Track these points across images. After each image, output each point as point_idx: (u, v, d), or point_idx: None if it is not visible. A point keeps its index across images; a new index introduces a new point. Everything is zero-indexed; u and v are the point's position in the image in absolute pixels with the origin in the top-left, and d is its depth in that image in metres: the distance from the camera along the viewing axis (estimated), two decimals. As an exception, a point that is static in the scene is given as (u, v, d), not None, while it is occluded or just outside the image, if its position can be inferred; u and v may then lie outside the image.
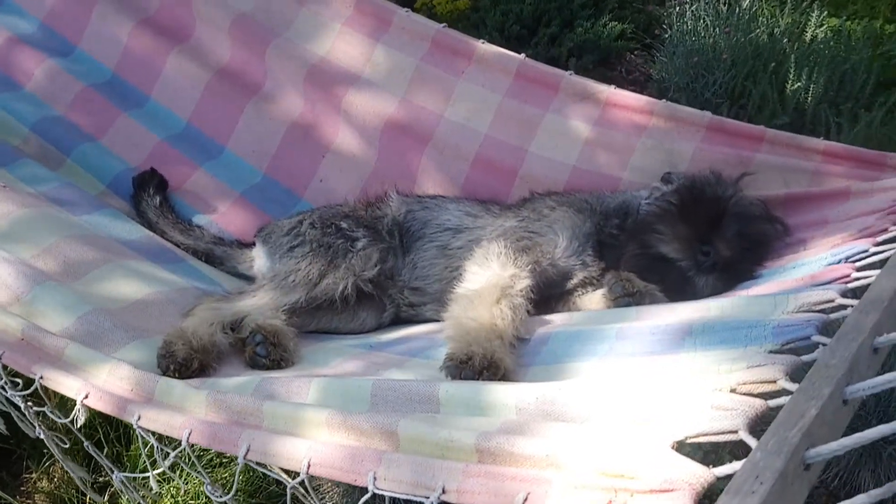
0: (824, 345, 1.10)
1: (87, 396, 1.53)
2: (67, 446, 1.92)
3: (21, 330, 1.70)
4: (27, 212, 2.05)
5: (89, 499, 2.64)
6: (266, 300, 1.89)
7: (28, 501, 2.77)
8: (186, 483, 2.63)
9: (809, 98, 3.80)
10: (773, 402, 0.99)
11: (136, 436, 2.59)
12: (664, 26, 4.27)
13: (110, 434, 2.69)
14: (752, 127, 2.15)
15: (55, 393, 1.71)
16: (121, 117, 2.55)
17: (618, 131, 2.26)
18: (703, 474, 0.89)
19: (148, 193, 2.37)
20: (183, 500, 2.59)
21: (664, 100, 2.25)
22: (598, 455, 0.97)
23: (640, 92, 4.41)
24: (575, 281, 1.93)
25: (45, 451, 2.85)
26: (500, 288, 1.68)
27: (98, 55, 2.63)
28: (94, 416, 2.70)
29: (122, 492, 1.87)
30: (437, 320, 2.00)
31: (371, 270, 1.99)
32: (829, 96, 3.82)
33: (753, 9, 4.18)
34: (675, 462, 0.92)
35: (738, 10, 4.11)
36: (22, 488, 2.84)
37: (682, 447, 0.98)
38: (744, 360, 1.14)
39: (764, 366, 1.09)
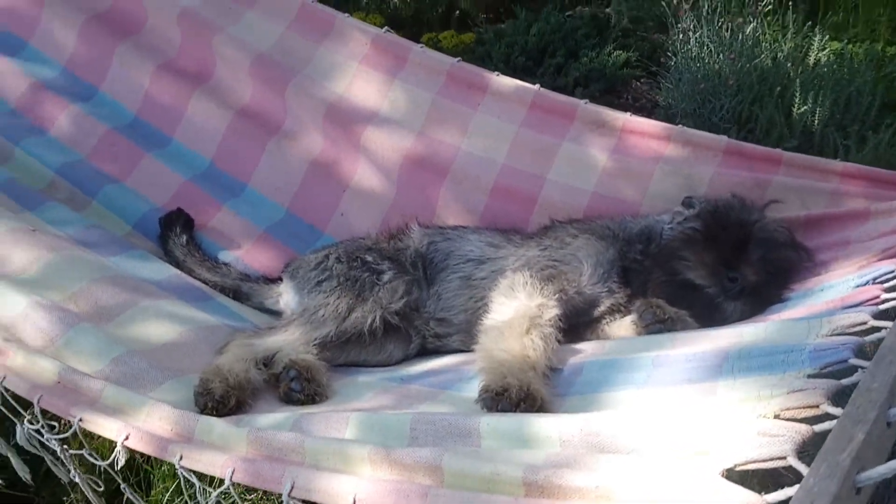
0: (863, 368, 1.12)
1: (127, 437, 1.54)
2: (102, 489, 1.93)
3: (57, 373, 1.73)
4: (57, 255, 2.08)
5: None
6: (297, 335, 1.92)
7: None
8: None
9: (816, 121, 3.83)
10: (818, 427, 1.01)
11: (156, 481, 2.60)
12: (669, 54, 4.33)
13: (130, 479, 2.70)
14: (769, 150, 2.18)
15: (91, 437, 1.73)
16: (145, 158, 2.59)
17: (635, 157, 2.29)
18: (755, 501, 0.91)
19: (175, 233, 2.41)
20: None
21: (679, 125, 2.28)
22: (650, 486, 0.99)
23: (648, 118, 4.49)
24: (602, 308, 1.94)
25: (64, 497, 2.86)
26: (528, 318, 1.70)
27: (120, 98, 2.69)
28: (114, 465, 2.72)
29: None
30: (464, 351, 2.03)
31: (398, 303, 2.02)
32: (835, 119, 3.85)
33: (756, 34, 4.24)
34: (727, 490, 0.93)
35: (741, 36, 4.16)
36: (48, 531, 2.84)
37: (732, 475, 1.00)
38: (784, 386, 1.15)
39: (805, 390, 1.10)
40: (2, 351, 1.81)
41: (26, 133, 2.59)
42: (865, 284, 1.54)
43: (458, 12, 5.35)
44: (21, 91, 2.67)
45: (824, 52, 4.35)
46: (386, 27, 2.63)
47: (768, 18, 4.42)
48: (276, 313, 2.29)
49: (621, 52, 4.52)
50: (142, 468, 2.74)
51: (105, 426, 1.59)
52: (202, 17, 2.66)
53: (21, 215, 2.31)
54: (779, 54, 4.23)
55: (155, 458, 2.63)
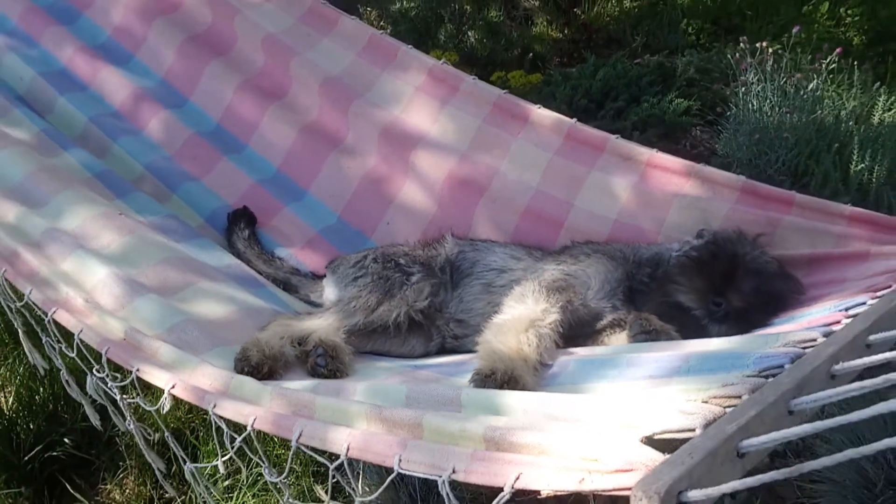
0: (790, 370, 1.27)
1: (173, 387, 1.82)
2: (153, 438, 2.22)
3: (124, 332, 2.03)
4: (136, 237, 2.41)
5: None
6: (330, 321, 2.17)
7: (101, 511, 3.07)
8: (242, 503, 2.88)
9: (873, 179, 3.87)
10: (729, 409, 1.17)
11: (202, 457, 2.87)
12: (729, 104, 4.43)
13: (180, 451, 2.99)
14: (782, 191, 2.32)
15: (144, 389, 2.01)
16: (221, 161, 2.93)
17: (657, 190, 2.46)
18: (657, 458, 1.08)
19: (239, 227, 2.72)
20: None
21: (701, 164, 2.44)
22: (579, 445, 1.18)
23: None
24: (604, 322, 2.12)
25: (121, 463, 3.18)
26: (529, 319, 1.89)
27: (206, 108, 3.04)
28: (160, 410, 3.02)
29: (191, 483, 2.13)
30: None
31: (422, 302, 2.24)
32: (893, 179, 3.88)
33: (817, 92, 4.30)
34: (637, 449, 1.11)
35: (803, 91, 4.23)
36: (97, 497, 3.15)
37: (652, 442, 1.17)
38: (721, 382, 1.32)
39: (735, 385, 1.27)
40: (81, 311, 2.14)
41: (123, 132, 2.97)
42: (837, 311, 1.67)
43: (531, 55, 5.60)
44: (124, 96, 3.05)
45: (889, 113, 4.38)
46: (444, 60, 2.89)
47: (832, 76, 4.48)
48: (318, 306, 2.55)
49: (683, 100, 4.64)
50: (189, 441, 3.04)
51: (157, 377, 1.87)
52: (283, 43, 3.00)
53: (113, 202, 2.66)
54: (841, 112, 4.28)
55: (203, 436, 2.94)
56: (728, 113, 4.39)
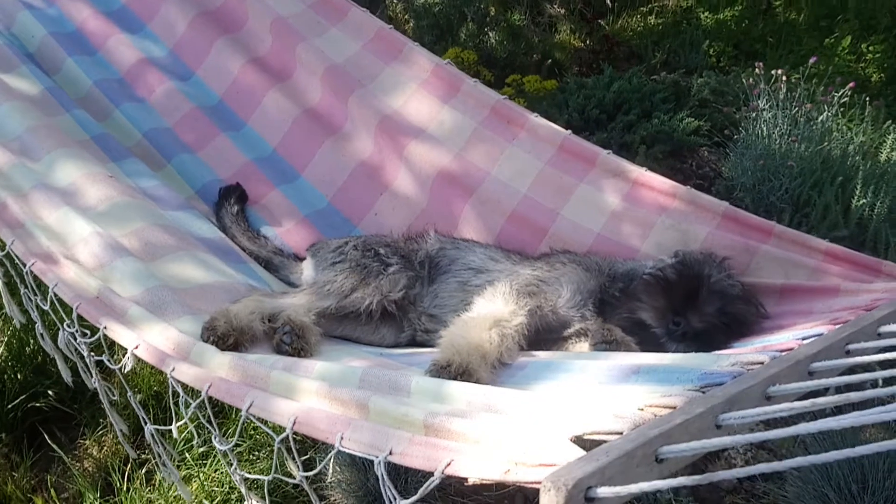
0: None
1: (137, 347, 1.85)
2: (115, 399, 2.25)
3: (98, 290, 2.07)
4: (124, 199, 2.45)
5: (130, 466, 2.97)
6: (302, 301, 2.19)
7: (78, 464, 3.12)
8: (216, 471, 2.92)
9: (874, 215, 3.88)
10: (660, 416, 1.19)
11: (181, 415, 2.92)
12: (739, 128, 4.45)
13: (158, 417, 3.03)
14: (763, 221, 2.33)
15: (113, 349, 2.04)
16: (219, 137, 2.96)
17: (642, 208, 2.48)
18: (579, 454, 1.10)
19: (229, 203, 2.75)
20: (209, 487, 2.87)
21: (688, 186, 2.46)
22: (508, 438, 1.20)
23: (709, 188, 4.60)
24: (571, 330, 2.14)
25: (101, 420, 3.22)
26: (495, 318, 1.91)
27: (210, 83, 3.08)
28: (148, 398, 3.06)
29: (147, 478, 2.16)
30: (448, 347, 2.26)
31: (397, 293, 2.27)
32: (893, 217, 3.89)
33: (828, 123, 4.31)
34: (563, 446, 1.13)
35: (812, 122, 4.25)
36: (75, 451, 3.20)
37: (582, 441, 1.19)
38: (661, 392, 1.34)
39: (672, 396, 1.28)
40: (59, 263, 2.17)
41: (126, 98, 3.01)
42: (793, 339, 1.69)
43: (549, 61, 5.63)
44: (131, 63, 3.10)
45: (898, 150, 4.39)
46: (448, 60, 2.93)
47: (843, 110, 4.49)
48: (297, 287, 2.58)
49: (693, 119, 4.66)
50: (162, 410, 3.08)
51: (123, 336, 1.90)
52: (292, 27, 3.04)
53: (107, 165, 2.70)
54: (850, 146, 4.30)
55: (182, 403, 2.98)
56: (736, 136, 4.41)
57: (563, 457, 1.11)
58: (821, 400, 1.10)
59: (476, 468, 1.19)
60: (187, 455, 2.90)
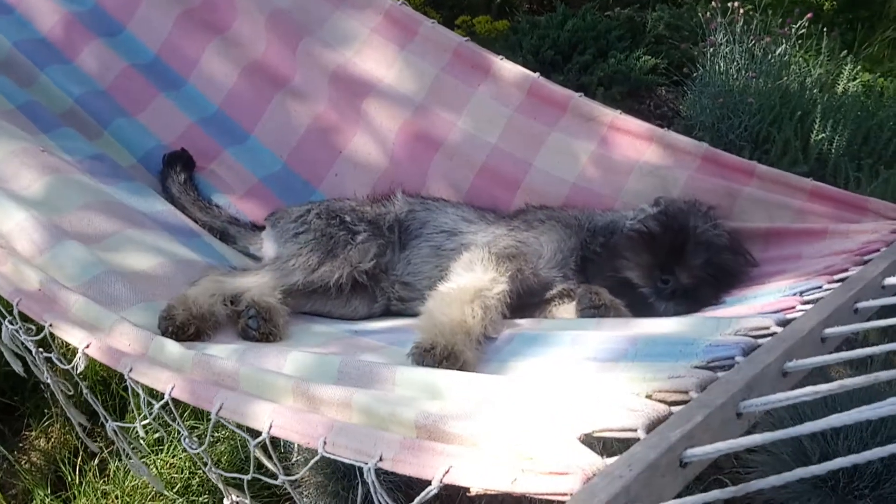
0: (740, 365, 1.19)
1: (88, 346, 1.69)
2: (71, 394, 2.09)
3: (40, 281, 1.87)
4: (60, 177, 2.23)
5: (81, 458, 2.82)
6: (266, 279, 2.04)
7: (24, 458, 2.95)
8: (174, 457, 2.77)
9: (833, 150, 3.83)
10: (675, 409, 1.09)
11: (133, 403, 2.78)
12: (696, 65, 4.34)
13: (108, 405, 2.86)
14: (743, 161, 2.23)
15: (63, 344, 1.87)
16: (158, 97, 2.73)
17: (618, 154, 2.36)
18: (595, 461, 1.00)
19: (175, 171, 2.55)
20: (168, 473, 2.73)
21: (665, 129, 2.34)
22: (513, 439, 1.09)
23: (667, 127, 4.49)
24: (554, 291, 2.03)
25: (46, 410, 3.04)
26: (476, 289, 1.79)
27: (143, 38, 2.82)
28: (95, 384, 2.89)
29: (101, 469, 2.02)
30: (425, 315, 2.14)
31: (367, 263, 2.13)
32: (852, 150, 3.86)
33: (786, 57, 4.22)
34: (574, 450, 1.03)
35: (770, 56, 4.15)
36: (20, 444, 3.02)
37: (590, 440, 1.09)
38: (668, 372, 1.24)
39: (681, 377, 1.19)
40: (-5, 256, 1.97)
41: (52, 60, 2.73)
42: (791, 295, 1.61)
43: (499, 0, 5.39)
44: (53, 21, 2.81)
45: (854, 83, 4.34)
46: (402, 0, 2.70)
47: (801, 41, 4.40)
48: (258, 259, 2.41)
49: (650, 57, 4.53)
50: (118, 395, 2.91)
51: (71, 334, 1.73)
52: (228, -28, 2.78)
53: (37, 137, 2.46)
54: (807, 79, 4.22)
55: (134, 389, 2.81)
56: (695, 74, 4.30)
57: (576, 463, 1.01)
58: (848, 382, 1.02)
59: (478, 476, 1.08)
60: (142, 441, 2.75)
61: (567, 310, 2.00)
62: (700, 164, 2.26)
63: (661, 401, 1.17)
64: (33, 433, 2.98)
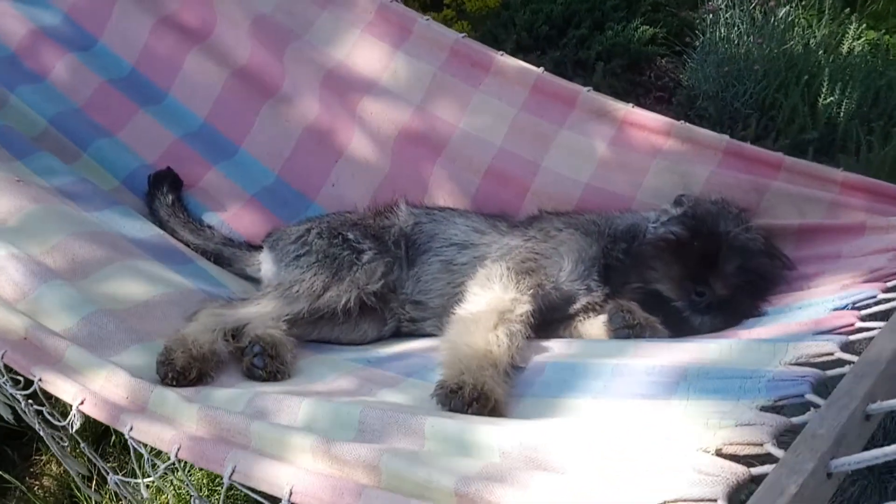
0: (816, 406, 1.07)
1: (83, 402, 1.55)
2: (66, 444, 1.94)
3: (25, 329, 1.72)
4: (39, 207, 2.07)
5: (94, 485, 2.68)
6: (268, 309, 1.90)
7: (36, 483, 2.82)
8: (179, 491, 2.64)
9: (842, 113, 3.72)
10: (756, 471, 0.97)
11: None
12: (696, 32, 4.19)
13: (110, 449, 2.72)
14: (770, 154, 2.10)
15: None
16: (138, 114, 2.56)
17: (633, 151, 2.22)
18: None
19: (161, 192, 2.39)
20: (186, 496, 2.61)
21: (682, 121, 2.21)
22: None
23: (669, 99, 4.37)
24: (578, 306, 1.90)
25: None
26: (498, 312, 1.66)
27: (118, 50, 2.65)
28: (70, 426, 2.74)
29: (117, 494, 1.89)
30: (437, 335, 2.00)
31: (375, 284, 1.99)
32: (861, 112, 3.74)
33: (790, 18, 4.08)
34: (649, 527, 0.90)
35: (773, 19, 4.01)
36: (31, 469, 2.89)
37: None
38: (734, 416, 1.12)
39: (753, 425, 1.06)
40: (-27, 303, 1.81)
41: (22, 79, 2.56)
42: (844, 308, 1.48)
43: (489, -26, 5.19)
44: (21, 36, 2.63)
45: (859, 42, 4.20)
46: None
47: (803, 2, 4.26)
48: (256, 280, 2.28)
49: (648, 27, 4.38)
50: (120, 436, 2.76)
51: (63, 388, 1.59)
52: (206, -26, 2.61)
53: (10, 164, 2.30)
54: (811, 40, 4.08)
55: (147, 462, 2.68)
56: (696, 42, 4.16)
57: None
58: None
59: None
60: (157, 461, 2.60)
61: (594, 325, 1.87)
62: (722, 159, 2.13)
63: (733, 455, 1.04)
64: (44, 457, 2.84)
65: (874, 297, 1.48)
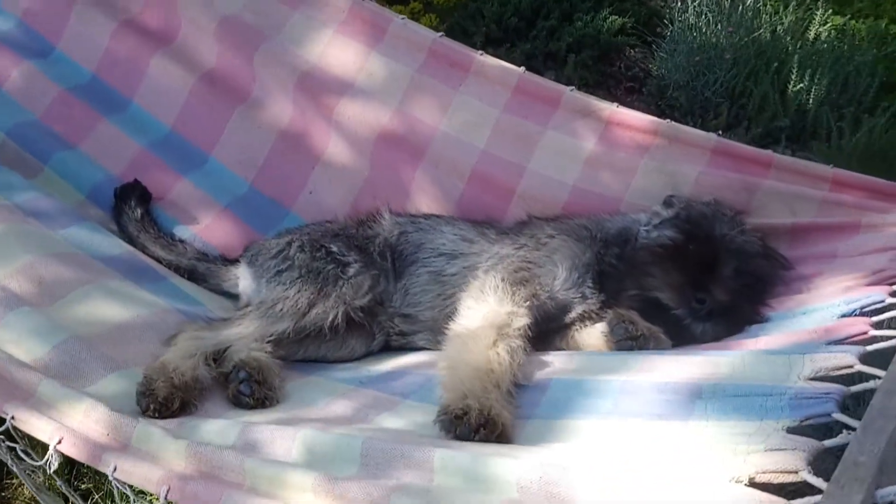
0: (848, 428, 1.03)
1: (60, 441, 1.45)
2: (41, 480, 1.83)
3: (-7, 362, 1.61)
4: (1, 228, 1.95)
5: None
6: (251, 329, 1.81)
7: (14, 505, 2.68)
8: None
9: (811, 100, 3.73)
10: (796, 503, 0.92)
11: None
12: (665, 21, 4.18)
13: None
14: (759, 152, 2.08)
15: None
16: (101, 123, 2.44)
17: (620, 151, 2.17)
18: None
19: (129, 206, 2.27)
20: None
21: (668, 120, 2.18)
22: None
23: (640, 89, 4.35)
24: (573, 315, 1.85)
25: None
26: (496, 328, 1.60)
27: (77, 56, 2.51)
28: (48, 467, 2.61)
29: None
30: (429, 349, 1.94)
31: (362, 299, 1.91)
32: (831, 98, 3.76)
33: (757, 5, 4.09)
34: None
35: (741, 6, 4.01)
36: (3, 494, 2.76)
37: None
38: (760, 438, 1.07)
39: (784, 450, 1.02)
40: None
41: (-24, 89, 2.42)
42: (852, 314, 1.45)
43: (456, -34, 5.10)
44: (-29, 43, 2.48)
45: (825, 27, 4.22)
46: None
47: (767, -11, 4.27)
48: (234, 297, 2.18)
49: (617, 17, 4.36)
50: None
51: (38, 427, 1.49)
52: (168, -25, 2.48)
53: (-33, 182, 2.16)
54: (778, 27, 4.09)
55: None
56: (665, 32, 4.15)
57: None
58: None
59: None
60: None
61: (591, 334, 1.82)
62: (711, 158, 2.10)
63: (766, 484, 1.00)
64: (15, 481, 2.70)
65: (882, 301, 1.45)
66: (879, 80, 3.81)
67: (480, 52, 2.33)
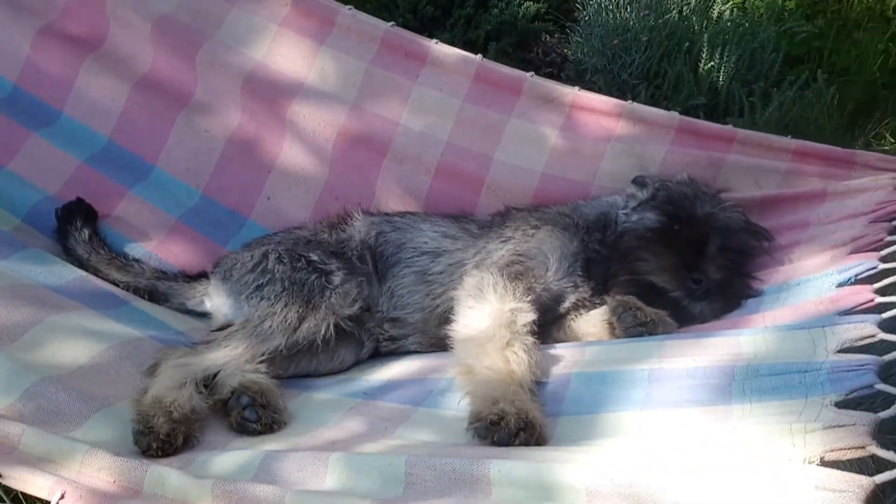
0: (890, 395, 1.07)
1: (63, 496, 1.32)
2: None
3: (-40, 416, 1.45)
4: (-64, 265, 1.76)
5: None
6: (240, 350, 1.71)
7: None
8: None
9: (722, 77, 3.87)
10: (879, 478, 0.95)
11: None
12: (579, 6, 4.23)
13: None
14: (722, 128, 2.14)
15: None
16: (30, 138, 2.24)
17: (586, 136, 2.18)
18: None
19: (75, 227, 2.10)
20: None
21: (630, 101, 2.19)
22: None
23: (558, 74, 4.40)
24: (567, 304, 1.86)
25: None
26: (506, 327, 1.58)
27: (-5, 67, 2.29)
28: None
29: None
30: (420, 352, 1.90)
31: (351, 308, 1.84)
32: (740, 74, 3.90)
33: (663, -13, 4.19)
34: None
35: (647, -13, 4.11)
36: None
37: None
38: (812, 416, 1.10)
39: (845, 426, 1.05)
40: None
41: None
42: (848, 283, 1.51)
43: (364, -43, 4.98)
44: None
45: (727, 5, 4.39)
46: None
47: (669, -31, 4.38)
48: (201, 315, 2.06)
49: (532, 2, 4.38)
50: None
51: (33, 482, 1.34)
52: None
53: None
54: (685, 8, 4.22)
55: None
56: (580, 16, 4.20)
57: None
58: None
59: None
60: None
61: (588, 322, 1.83)
62: (675, 136, 2.14)
63: (836, 461, 1.02)
64: None
65: (874, 267, 1.52)
66: (783, 54, 3.99)
67: (436, 40, 2.28)
